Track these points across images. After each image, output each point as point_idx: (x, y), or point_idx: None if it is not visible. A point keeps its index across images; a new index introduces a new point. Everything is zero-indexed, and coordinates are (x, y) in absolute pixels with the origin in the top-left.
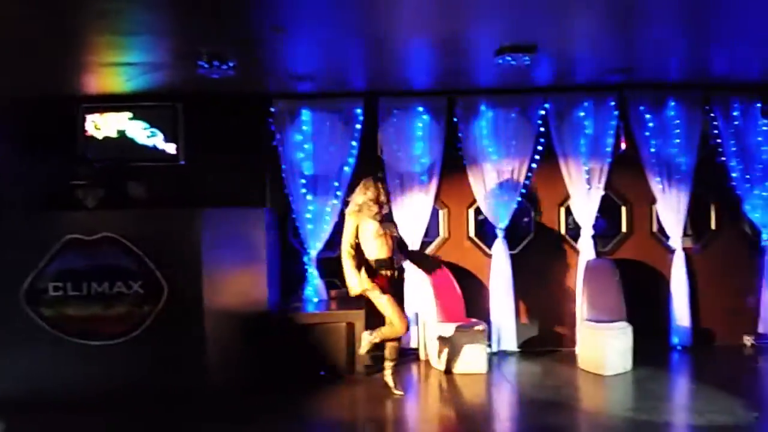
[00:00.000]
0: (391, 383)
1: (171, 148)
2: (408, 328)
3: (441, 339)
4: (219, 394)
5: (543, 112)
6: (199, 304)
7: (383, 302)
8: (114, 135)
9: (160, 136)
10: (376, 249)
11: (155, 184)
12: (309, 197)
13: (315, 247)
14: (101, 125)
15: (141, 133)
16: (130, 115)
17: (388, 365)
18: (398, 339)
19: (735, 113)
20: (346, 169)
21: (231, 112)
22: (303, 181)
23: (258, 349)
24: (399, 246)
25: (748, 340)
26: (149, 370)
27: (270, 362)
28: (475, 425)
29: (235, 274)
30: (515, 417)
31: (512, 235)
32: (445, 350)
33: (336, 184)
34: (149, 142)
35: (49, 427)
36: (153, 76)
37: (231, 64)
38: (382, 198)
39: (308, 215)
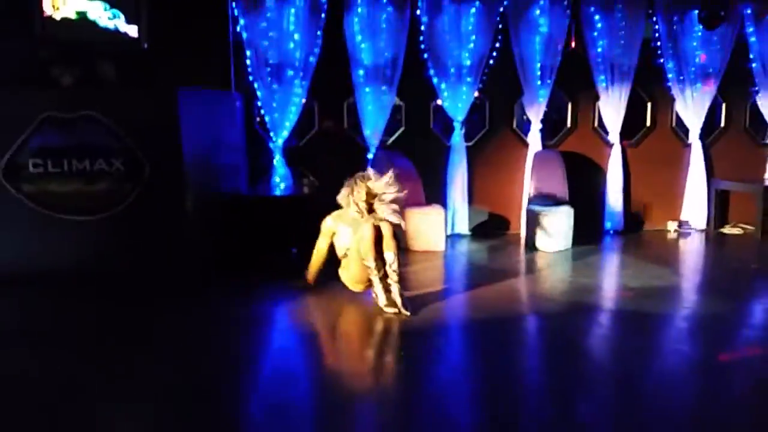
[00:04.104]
0: (398, 301)
1: (133, 31)
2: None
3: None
4: (194, 270)
5: (501, 9)
6: (180, 182)
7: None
8: (73, 16)
9: (122, 17)
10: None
11: (120, 67)
12: (275, 86)
13: (281, 136)
14: (59, 5)
15: (102, 14)
16: None
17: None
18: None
19: (674, 18)
20: (311, 59)
21: None
22: (268, 69)
23: (232, 228)
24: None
25: (672, 225)
26: (130, 245)
27: (243, 241)
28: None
29: (210, 155)
30: (469, 281)
31: (469, 128)
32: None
33: (301, 74)
34: (110, 24)
35: (30, 300)
36: None
37: None
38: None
39: (274, 104)
